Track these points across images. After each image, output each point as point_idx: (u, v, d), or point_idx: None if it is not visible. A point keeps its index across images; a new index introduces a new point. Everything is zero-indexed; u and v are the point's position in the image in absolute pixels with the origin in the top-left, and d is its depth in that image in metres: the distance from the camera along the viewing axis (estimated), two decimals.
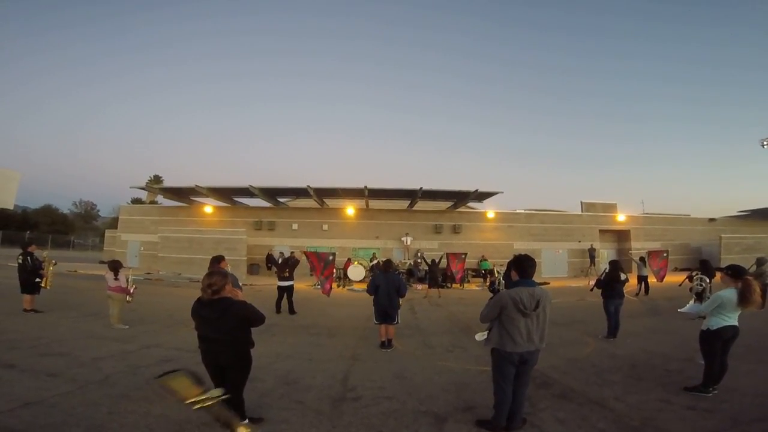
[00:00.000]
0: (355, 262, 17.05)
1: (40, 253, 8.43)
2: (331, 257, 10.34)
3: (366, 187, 17.78)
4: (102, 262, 20.92)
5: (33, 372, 4.42)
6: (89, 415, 3.37)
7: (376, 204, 21.63)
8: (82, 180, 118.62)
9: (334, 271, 16.52)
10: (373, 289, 6.29)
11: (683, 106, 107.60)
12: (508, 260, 3.49)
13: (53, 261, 8.61)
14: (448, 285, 15.77)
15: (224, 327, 3.05)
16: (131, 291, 7.25)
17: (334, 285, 15.42)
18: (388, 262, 6.87)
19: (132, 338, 6.25)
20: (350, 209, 20.73)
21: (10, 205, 9.95)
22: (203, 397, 1.64)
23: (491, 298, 3.36)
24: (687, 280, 8.64)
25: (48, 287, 8.13)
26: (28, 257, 7.84)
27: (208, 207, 21.28)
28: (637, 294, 12.23)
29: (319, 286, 10.08)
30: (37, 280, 7.89)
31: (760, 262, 9.09)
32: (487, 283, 15.45)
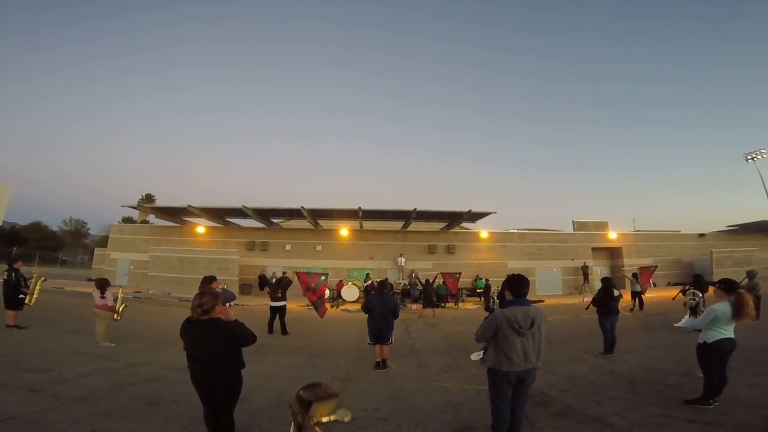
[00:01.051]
0: (349, 283, 16.92)
1: (29, 270, 8.30)
2: (323, 277, 10.19)
3: (360, 208, 17.82)
4: (90, 280, 20.50)
5: (13, 387, 4.31)
6: None
7: (370, 225, 21.62)
8: (73, 198, 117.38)
9: (327, 291, 16.47)
10: (367, 309, 6.27)
11: (669, 126, 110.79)
12: (503, 279, 3.47)
13: (42, 277, 8.48)
14: (442, 305, 15.65)
15: (214, 347, 2.98)
16: (119, 309, 7.20)
17: (327, 305, 15.31)
18: (383, 283, 6.84)
19: (118, 356, 6.10)
20: (344, 230, 20.70)
21: None
22: (333, 419, 1.54)
23: (486, 318, 3.33)
24: (680, 294, 8.69)
25: (31, 304, 8.00)
26: (13, 273, 7.76)
27: (200, 227, 21.10)
28: (632, 309, 12.25)
29: (311, 307, 9.86)
30: (21, 296, 7.78)
31: (750, 275, 9.19)
32: (484, 301, 15.38)
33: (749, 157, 31.21)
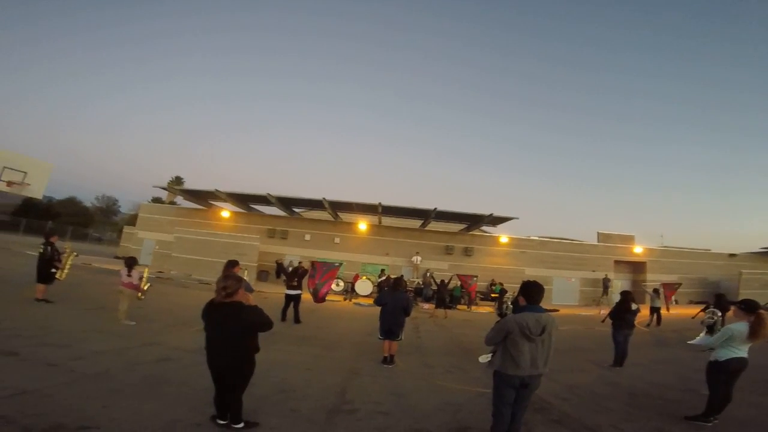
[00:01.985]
0: (363, 277, 17.07)
1: (62, 244, 8.65)
2: (337, 264, 10.25)
3: (380, 203, 17.92)
4: (117, 257, 21.45)
5: (33, 361, 4.47)
6: (80, 408, 3.40)
7: (388, 221, 21.71)
8: (107, 175, 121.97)
9: (341, 283, 16.68)
10: (380, 303, 6.37)
11: (705, 147, 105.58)
12: (519, 286, 3.51)
13: (75, 253, 8.74)
14: (455, 306, 15.63)
15: (233, 330, 3.11)
16: (144, 288, 7.41)
17: (340, 298, 15.52)
18: (399, 280, 6.81)
19: (133, 335, 6.29)
20: (363, 224, 20.85)
21: (39, 195, 10.31)
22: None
23: (497, 322, 3.38)
24: (701, 312, 8.50)
25: (62, 279, 8.25)
26: (49, 247, 7.99)
27: (225, 212, 21.70)
28: (648, 325, 11.96)
29: (312, 291, 9.70)
30: (53, 270, 8.01)
31: None
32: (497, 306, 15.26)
33: None
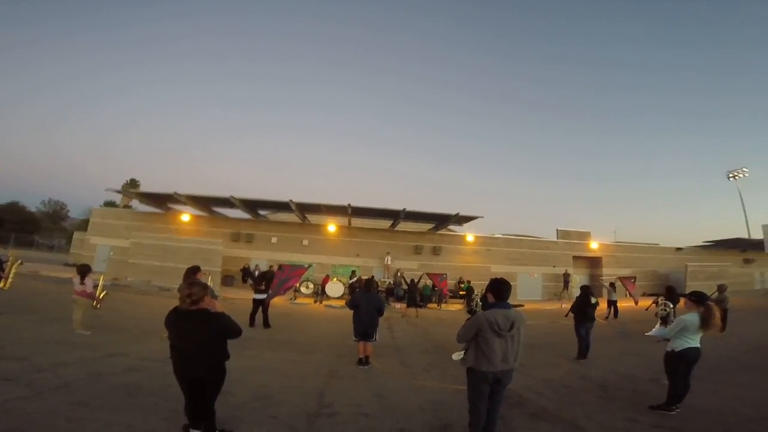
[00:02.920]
0: (334, 279, 16.91)
1: (5, 252, 8.06)
2: (306, 266, 10.08)
3: (349, 205, 17.82)
4: (67, 265, 19.96)
5: None
6: (46, 422, 3.21)
7: (358, 222, 21.64)
8: (55, 179, 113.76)
9: (311, 285, 16.42)
10: (353, 306, 6.32)
11: (655, 138, 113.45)
12: (486, 283, 3.59)
13: (19, 260, 8.25)
14: (425, 305, 15.82)
15: (200, 338, 2.99)
16: (99, 297, 7.06)
17: (311, 300, 15.27)
18: (370, 281, 6.86)
19: (96, 345, 5.97)
20: (332, 226, 20.64)
21: None
22: None
23: (468, 320, 3.44)
24: (653, 304, 9.04)
25: (6, 288, 7.78)
26: None
27: (185, 215, 20.76)
28: (607, 318, 12.61)
29: (277, 288, 9.34)
30: None
31: (721, 289, 9.63)
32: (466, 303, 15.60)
33: (731, 175, 32.50)
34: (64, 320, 7.18)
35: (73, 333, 6.53)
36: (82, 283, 6.80)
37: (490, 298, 3.40)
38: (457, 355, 3.51)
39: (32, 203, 50.18)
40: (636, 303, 13.63)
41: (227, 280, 18.72)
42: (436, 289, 17.14)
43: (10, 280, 7.86)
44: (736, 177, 32.25)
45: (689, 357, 4.21)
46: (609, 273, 21.70)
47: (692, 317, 4.20)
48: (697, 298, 4.31)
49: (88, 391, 4.03)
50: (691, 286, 17.46)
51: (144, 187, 29.82)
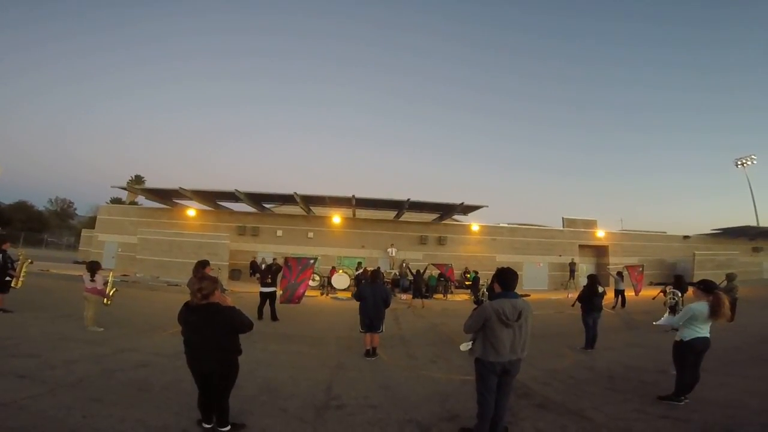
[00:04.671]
0: (340, 271, 16.97)
1: (15, 251, 8.15)
2: (311, 261, 10.06)
3: (354, 196, 17.81)
4: (76, 262, 20.23)
5: (1, 373, 4.25)
6: (61, 419, 3.27)
7: (362, 213, 21.66)
8: (61, 177, 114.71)
9: (317, 278, 16.50)
10: (359, 297, 6.35)
11: (660, 130, 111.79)
12: (492, 273, 3.57)
13: (29, 259, 8.31)
14: (431, 295, 15.88)
15: (211, 333, 3.02)
16: (110, 294, 7.12)
17: (317, 293, 15.36)
18: (376, 273, 6.88)
19: (106, 341, 6.06)
20: (336, 218, 20.68)
21: None
22: None
23: (475, 310, 3.43)
24: (661, 294, 8.98)
25: (18, 286, 7.84)
26: (1, 255, 7.55)
27: (191, 210, 20.89)
28: (614, 307, 12.55)
29: (288, 291, 9.43)
30: (8, 278, 7.62)
31: (730, 278, 9.52)
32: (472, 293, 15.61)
33: (739, 162, 31.98)
34: (74, 317, 7.31)
35: (86, 330, 6.62)
36: (92, 280, 6.88)
37: (497, 288, 3.38)
38: (464, 346, 3.51)
39: (40, 202, 50.74)
40: (636, 293, 13.41)
41: (234, 273, 18.90)
42: (442, 279, 17.19)
43: (21, 278, 7.89)
44: (745, 164, 31.72)
45: (698, 347, 4.18)
46: (615, 262, 21.59)
47: (701, 306, 4.16)
48: (706, 287, 4.26)
49: (100, 387, 4.10)
50: (699, 274, 17.34)
51: (149, 184, 29.99)
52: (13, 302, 7.71)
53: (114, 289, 7.27)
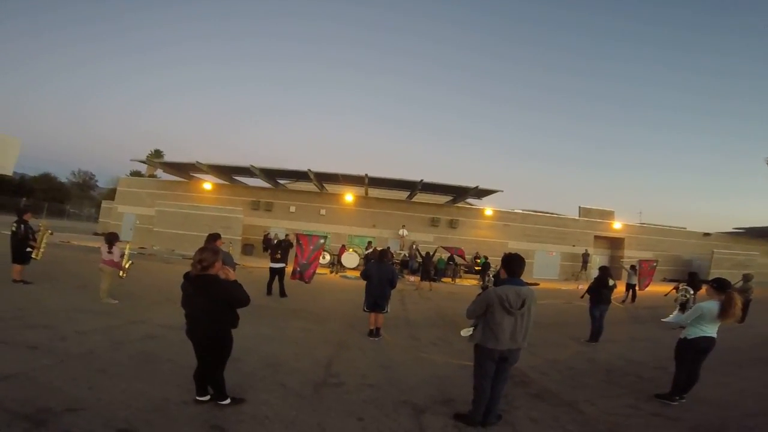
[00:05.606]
0: (350, 249, 17.10)
1: (36, 223, 8.21)
2: (322, 240, 10.13)
3: (367, 175, 17.77)
4: (96, 234, 20.89)
5: (14, 344, 4.33)
6: (67, 389, 3.33)
7: (374, 193, 21.64)
8: (83, 150, 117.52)
9: (327, 255, 16.68)
10: (365, 276, 6.37)
11: (686, 131, 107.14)
12: (502, 258, 3.51)
13: (49, 230, 8.30)
14: (439, 279, 15.93)
15: (203, 303, 3.05)
16: (125, 266, 7.11)
17: (326, 271, 15.58)
18: (384, 252, 6.87)
19: (118, 313, 6.14)
20: (349, 196, 20.71)
21: (9, 172, 9.75)
22: None
23: (479, 295, 3.41)
24: (674, 290, 8.81)
25: (38, 258, 7.85)
26: (22, 225, 7.56)
27: (207, 184, 21.21)
28: (623, 301, 12.37)
29: (298, 271, 9.51)
30: (28, 249, 7.60)
31: (746, 278, 9.27)
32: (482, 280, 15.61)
33: None
34: (89, 288, 7.42)
35: (100, 302, 6.67)
36: (110, 251, 6.87)
37: (503, 274, 3.35)
38: (465, 331, 3.52)
39: (63, 174, 52.28)
40: (642, 288, 13.04)
41: (247, 248, 19.24)
42: (452, 262, 17.18)
43: (42, 250, 7.89)
44: None
45: (700, 346, 4.10)
46: (630, 255, 21.19)
47: (711, 305, 4.05)
48: (719, 286, 4.13)
49: (108, 359, 4.17)
50: (715, 273, 16.87)
51: (168, 158, 30.42)
52: (33, 274, 7.75)
53: (130, 262, 7.24)
